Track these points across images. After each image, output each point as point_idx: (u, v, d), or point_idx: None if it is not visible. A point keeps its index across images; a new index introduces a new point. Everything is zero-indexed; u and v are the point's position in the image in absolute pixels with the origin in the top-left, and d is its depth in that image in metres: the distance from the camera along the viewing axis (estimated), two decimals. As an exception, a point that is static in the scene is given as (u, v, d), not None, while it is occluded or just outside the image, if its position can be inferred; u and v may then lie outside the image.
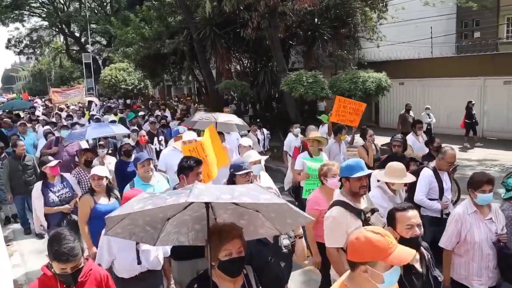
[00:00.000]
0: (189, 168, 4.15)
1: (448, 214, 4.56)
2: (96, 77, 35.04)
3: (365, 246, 2.11)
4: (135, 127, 10.58)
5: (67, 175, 6.27)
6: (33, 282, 2.86)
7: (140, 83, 28.19)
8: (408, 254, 2.11)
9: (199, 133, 7.63)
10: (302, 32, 16.88)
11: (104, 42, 42.17)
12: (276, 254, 3.40)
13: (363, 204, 3.71)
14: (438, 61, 18.10)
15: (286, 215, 2.70)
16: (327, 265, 3.92)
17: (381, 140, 7.89)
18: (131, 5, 28.18)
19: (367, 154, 7.52)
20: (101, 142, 8.02)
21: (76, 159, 8.15)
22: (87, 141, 8.84)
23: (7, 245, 7.62)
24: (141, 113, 16.35)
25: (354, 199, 3.68)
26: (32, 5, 40.62)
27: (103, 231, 3.69)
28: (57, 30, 44.13)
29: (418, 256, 3.02)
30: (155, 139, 10.02)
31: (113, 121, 12.60)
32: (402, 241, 2.71)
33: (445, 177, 5.39)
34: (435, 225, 4.99)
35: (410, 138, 8.19)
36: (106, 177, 5.01)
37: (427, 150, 7.32)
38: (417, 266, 3.00)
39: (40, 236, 7.50)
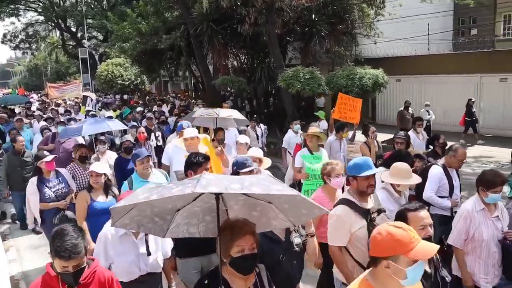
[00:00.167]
0: (197, 164, 4.07)
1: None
2: (92, 73, 34.84)
3: (387, 240, 2.07)
4: (135, 123, 10.51)
5: (62, 170, 6.19)
6: (35, 281, 2.75)
7: (137, 79, 28.09)
8: (431, 249, 2.08)
9: (198, 129, 7.59)
10: (299, 28, 16.88)
11: (101, 37, 41.94)
12: (288, 252, 3.34)
13: (370, 204, 3.63)
14: (434, 58, 18.13)
15: (301, 206, 2.60)
16: (330, 265, 3.85)
17: (378, 137, 7.87)
18: (127, 0, 28.05)
19: (369, 150, 7.44)
20: (102, 138, 7.91)
21: (73, 154, 8.06)
22: (83, 137, 8.77)
23: (3, 241, 7.62)
24: (139, 108, 16.31)
25: (361, 198, 3.60)
26: (28, -1, 40.40)
27: (105, 227, 3.65)
28: (53, 25, 43.80)
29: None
30: (152, 135, 9.99)
31: (109, 117, 12.55)
32: None
33: (454, 174, 5.34)
34: (444, 223, 4.88)
35: (410, 135, 8.16)
36: (105, 174, 4.95)
37: (429, 148, 7.24)
38: (425, 266, 2.94)
39: (36, 231, 7.48)
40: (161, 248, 3.83)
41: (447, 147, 5.67)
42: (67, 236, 2.57)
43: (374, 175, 3.58)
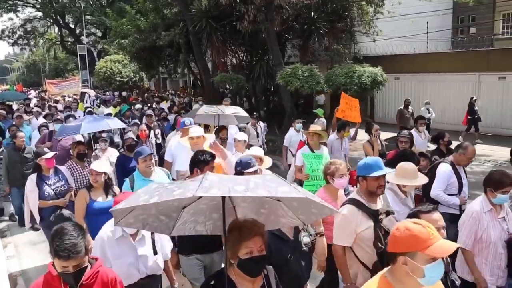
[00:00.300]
0: (204, 162, 4.02)
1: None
2: (91, 69, 34.79)
3: (404, 236, 2.04)
4: (136, 121, 10.47)
5: (62, 167, 6.12)
6: (36, 280, 2.70)
7: (135, 76, 28.06)
8: (449, 247, 2.03)
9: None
10: (298, 26, 16.87)
11: (99, 34, 41.84)
12: (296, 251, 3.31)
13: (378, 205, 3.55)
14: (433, 56, 18.14)
15: (311, 205, 2.55)
16: (333, 267, 3.78)
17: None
18: (126, -4, 27.99)
19: (372, 149, 7.38)
20: (104, 135, 7.85)
21: (71, 151, 7.98)
22: (82, 134, 8.71)
23: (1, 237, 7.62)
24: (137, 105, 16.27)
25: (370, 199, 3.52)
26: (26, -5, 40.25)
27: (102, 230, 3.57)
28: (51, 21, 43.65)
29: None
30: (151, 132, 9.97)
31: (108, 114, 12.50)
32: None
33: (462, 172, 5.32)
34: (455, 221, 4.70)
35: (412, 133, 8.11)
36: (105, 173, 4.87)
37: (428, 146, 7.19)
38: None
39: (34, 228, 7.45)
40: (161, 249, 3.76)
41: (456, 145, 5.58)
42: (66, 235, 2.49)
43: (384, 175, 3.52)
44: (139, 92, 30.06)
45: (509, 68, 15.32)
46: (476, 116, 14.36)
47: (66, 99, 24.19)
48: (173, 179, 5.62)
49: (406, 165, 4.24)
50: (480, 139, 14.45)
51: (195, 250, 3.98)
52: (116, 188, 5.10)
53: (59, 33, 46.88)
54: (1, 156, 7.87)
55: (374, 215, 3.44)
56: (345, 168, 4.36)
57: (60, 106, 18.28)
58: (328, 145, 7.47)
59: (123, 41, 21.63)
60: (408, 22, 17.91)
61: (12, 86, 46.05)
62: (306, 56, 16.96)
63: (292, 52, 19.04)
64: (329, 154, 6.79)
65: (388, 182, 4.28)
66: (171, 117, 12.52)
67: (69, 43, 46.35)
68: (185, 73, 28.76)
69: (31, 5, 41.37)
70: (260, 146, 9.35)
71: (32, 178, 5.68)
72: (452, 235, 4.23)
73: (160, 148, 9.24)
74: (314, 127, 6.71)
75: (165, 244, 3.81)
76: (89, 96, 18.88)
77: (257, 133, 10.55)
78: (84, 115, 13.05)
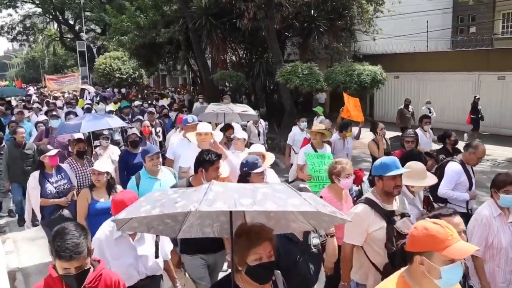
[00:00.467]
0: (209, 162, 3.91)
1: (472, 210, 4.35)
2: (90, 66, 34.77)
3: (421, 235, 2.02)
4: (140, 117, 10.43)
5: (65, 166, 6.04)
6: (37, 284, 2.61)
7: (135, 72, 28.03)
8: (467, 249, 1.98)
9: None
10: (298, 24, 16.87)
11: (99, 30, 41.76)
12: (305, 253, 3.25)
13: (394, 206, 3.46)
14: (433, 55, 18.15)
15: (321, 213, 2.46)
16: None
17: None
18: (126, -7, 27.93)
19: (377, 148, 7.28)
20: (105, 133, 7.80)
21: (70, 148, 7.93)
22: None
23: (0, 233, 7.62)
24: (136, 102, 16.25)
25: (386, 199, 3.43)
26: (25, -10, 40.15)
27: (99, 231, 3.50)
28: (50, 17, 43.55)
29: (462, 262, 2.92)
30: (153, 130, 9.94)
31: (110, 111, 12.46)
32: None
33: (470, 171, 5.30)
34: (465, 221, 4.81)
35: (417, 133, 8.08)
36: (108, 173, 4.78)
37: (432, 146, 7.14)
38: None
39: (33, 224, 7.44)
40: (161, 250, 3.69)
41: (465, 144, 5.54)
42: (68, 235, 2.39)
43: (401, 175, 3.43)
44: (139, 89, 30.04)
45: (508, 68, 15.32)
46: (479, 115, 14.36)
47: (66, 95, 24.18)
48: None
49: (415, 165, 4.16)
50: (479, 138, 14.45)
51: (199, 249, 3.94)
52: (119, 188, 4.99)
53: (58, 29, 46.79)
54: (2, 152, 7.84)
55: (387, 215, 3.36)
56: (351, 168, 4.33)
57: (59, 103, 18.25)
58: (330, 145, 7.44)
59: (122, 37, 21.58)
60: (408, 21, 17.90)
61: (11, 82, 45.95)
62: (305, 54, 16.95)
63: (292, 50, 19.04)
64: (332, 155, 6.76)
65: None
66: (171, 114, 12.49)
67: (68, 39, 46.28)
68: (184, 70, 28.74)
69: (30, 1, 41.25)
70: (262, 145, 9.35)
71: (35, 175, 5.63)
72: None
73: (161, 146, 9.19)
74: (319, 126, 6.65)
75: (165, 243, 3.76)
76: (89, 93, 18.86)
77: (258, 132, 10.50)
78: (83, 111, 13.04)
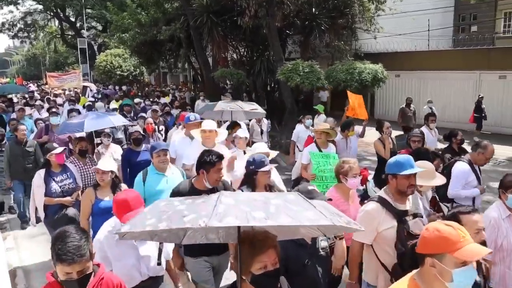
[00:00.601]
0: (210, 163, 3.85)
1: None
2: (91, 63, 34.75)
3: (433, 237, 2.00)
4: (143, 114, 10.41)
5: (71, 165, 6.00)
6: None
7: (136, 70, 28.01)
8: (480, 251, 1.95)
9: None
10: (300, 22, 16.83)
11: (100, 28, 41.74)
12: (313, 256, 3.23)
13: (407, 206, 3.41)
14: (434, 54, 18.13)
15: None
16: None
17: (376, 132, 7.72)
18: (127, -10, 27.88)
19: (383, 147, 7.20)
20: (107, 131, 7.78)
21: (71, 146, 7.88)
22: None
23: (1, 229, 7.63)
24: (137, 100, 16.24)
25: (399, 198, 3.38)
26: (27, -13, 40.09)
27: (99, 232, 3.45)
28: (51, 14, 43.51)
29: (474, 264, 2.94)
30: (156, 127, 9.92)
31: (114, 109, 12.45)
32: None
33: (478, 171, 5.30)
34: None
35: (424, 132, 8.04)
36: (112, 172, 4.74)
37: (438, 144, 7.10)
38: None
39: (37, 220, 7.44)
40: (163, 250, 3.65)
41: (474, 144, 5.54)
42: (69, 238, 2.32)
43: (415, 174, 3.37)
44: (139, 87, 30.03)
45: (510, 67, 15.31)
46: (483, 114, 14.33)
47: (67, 92, 24.18)
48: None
49: (423, 165, 4.10)
50: (479, 137, 14.45)
51: (203, 252, 3.89)
52: (124, 186, 4.92)
53: (59, 26, 46.71)
54: (3, 149, 7.83)
55: (399, 215, 3.30)
56: (358, 167, 4.31)
57: (60, 100, 18.25)
58: None
59: (123, 35, 21.57)
60: (409, 19, 17.86)
61: (12, 79, 45.98)
62: (306, 52, 16.92)
63: (293, 48, 19.01)
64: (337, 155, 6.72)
65: None
66: (174, 112, 12.48)
67: (69, 36, 46.24)
68: (185, 68, 28.74)
69: (31, -2, 41.22)
70: (265, 143, 9.35)
71: (40, 174, 5.61)
72: None
73: (161, 144, 9.19)
74: (323, 125, 6.61)
75: (167, 244, 3.68)
76: (91, 90, 18.85)
77: (261, 130, 10.50)
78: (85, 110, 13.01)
